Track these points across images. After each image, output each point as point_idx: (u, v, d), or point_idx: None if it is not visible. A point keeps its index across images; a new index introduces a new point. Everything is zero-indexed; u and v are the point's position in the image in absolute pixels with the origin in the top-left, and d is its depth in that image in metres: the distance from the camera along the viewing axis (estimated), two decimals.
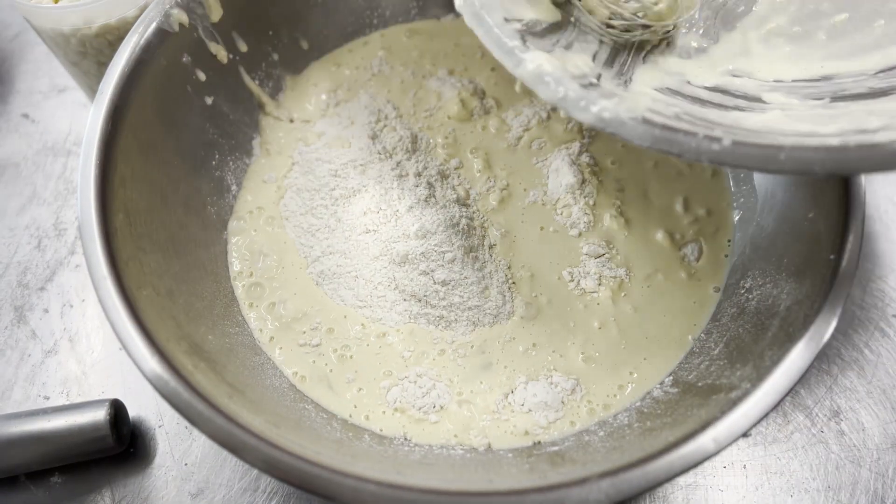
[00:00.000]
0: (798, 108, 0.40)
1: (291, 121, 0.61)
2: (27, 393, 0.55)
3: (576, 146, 0.58)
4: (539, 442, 0.46)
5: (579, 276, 0.52)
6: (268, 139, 0.60)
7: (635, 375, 0.48)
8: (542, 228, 0.54)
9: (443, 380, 0.48)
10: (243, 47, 0.59)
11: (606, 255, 0.53)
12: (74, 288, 0.60)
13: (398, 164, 0.57)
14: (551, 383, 0.48)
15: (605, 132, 0.39)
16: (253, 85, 0.60)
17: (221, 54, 0.57)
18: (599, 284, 0.52)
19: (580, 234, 0.54)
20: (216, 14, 0.56)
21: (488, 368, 0.49)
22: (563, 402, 0.47)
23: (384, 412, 0.47)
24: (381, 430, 0.47)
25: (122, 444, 0.50)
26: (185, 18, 0.53)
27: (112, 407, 0.49)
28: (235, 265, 0.54)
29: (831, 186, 0.44)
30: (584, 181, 0.56)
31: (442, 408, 0.47)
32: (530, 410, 0.47)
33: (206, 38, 0.56)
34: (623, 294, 0.51)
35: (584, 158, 0.57)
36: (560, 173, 0.56)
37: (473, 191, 0.56)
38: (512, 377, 0.48)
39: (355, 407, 0.48)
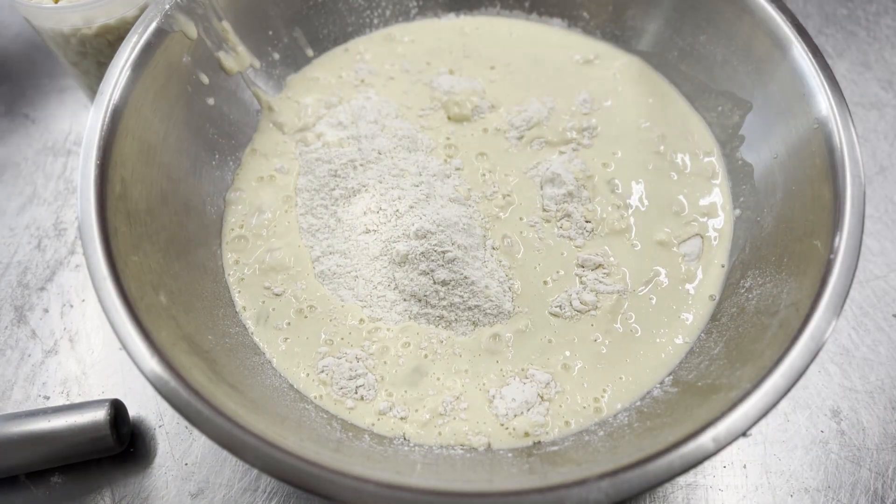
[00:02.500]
0: None
1: (283, 132, 0.60)
2: (27, 393, 0.55)
3: (571, 150, 0.58)
4: (539, 442, 0.46)
5: (574, 293, 0.51)
6: (261, 142, 0.60)
7: (608, 393, 0.48)
8: (540, 240, 0.54)
9: (375, 374, 0.49)
10: (256, 64, 0.60)
11: (604, 269, 0.52)
12: (74, 288, 0.60)
13: (398, 164, 0.57)
14: (524, 380, 0.48)
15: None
16: (258, 91, 0.60)
17: (230, 65, 0.57)
18: (597, 300, 0.51)
19: (581, 245, 0.54)
20: (245, 62, 0.58)
21: (421, 378, 0.48)
22: (540, 396, 0.47)
23: (307, 374, 0.49)
24: (306, 391, 0.48)
25: (122, 444, 0.50)
26: (192, 32, 0.53)
27: (112, 407, 0.49)
28: (230, 220, 0.55)
29: (831, 186, 0.44)
30: (580, 187, 0.56)
31: (362, 398, 0.48)
32: (517, 416, 0.47)
33: (215, 49, 0.56)
34: (620, 311, 0.51)
35: (578, 164, 0.57)
36: (555, 182, 0.55)
37: (474, 192, 0.56)
38: (469, 386, 0.48)
39: (285, 354, 0.49)
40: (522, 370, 0.49)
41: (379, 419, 0.47)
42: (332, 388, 0.48)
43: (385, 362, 0.49)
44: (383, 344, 0.50)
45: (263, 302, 0.52)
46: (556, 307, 0.51)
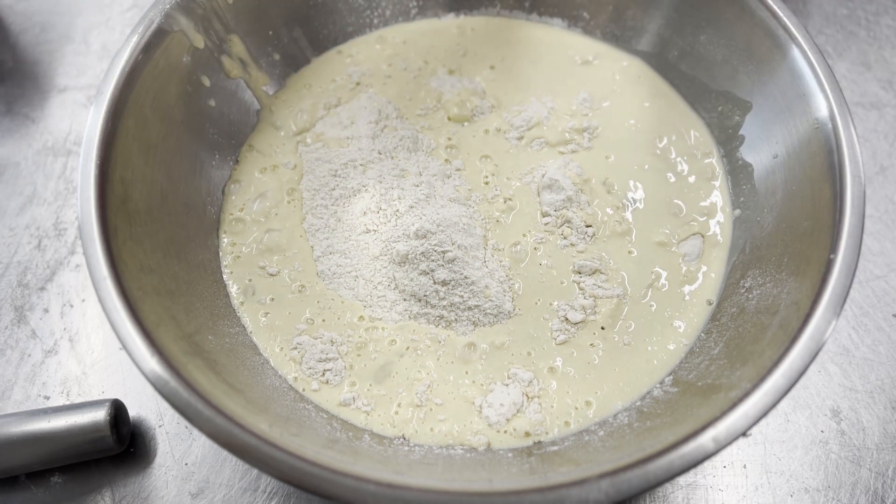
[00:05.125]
0: None
1: (281, 134, 0.60)
2: (27, 393, 0.55)
3: (570, 151, 0.58)
4: (539, 442, 0.46)
5: (566, 304, 0.51)
6: (258, 140, 0.60)
7: (594, 406, 0.48)
8: (547, 266, 0.53)
9: (346, 361, 0.49)
10: (266, 81, 0.61)
11: (603, 275, 0.52)
12: (74, 288, 0.60)
13: (398, 164, 0.57)
14: (506, 383, 0.48)
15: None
16: (260, 92, 0.60)
17: (235, 72, 0.57)
18: (595, 305, 0.51)
19: (583, 250, 0.53)
20: (262, 81, 0.60)
21: (386, 377, 0.48)
22: (526, 395, 0.47)
23: (281, 349, 0.49)
24: (275, 368, 0.49)
25: (122, 444, 0.50)
26: (200, 43, 0.53)
27: (112, 407, 0.49)
28: (230, 206, 0.56)
29: (831, 186, 0.44)
30: (578, 191, 0.55)
31: (328, 382, 0.48)
32: (509, 420, 0.47)
33: (217, 54, 0.56)
34: (619, 316, 0.50)
35: (574, 168, 0.57)
36: (553, 188, 0.55)
37: (475, 193, 0.56)
38: (451, 391, 0.48)
39: (265, 328, 0.50)
40: (504, 375, 0.48)
41: (373, 416, 0.47)
42: (302, 366, 0.48)
43: (359, 354, 0.49)
44: (369, 338, 0.50)
45: (250, 280, 0.52)
46: (561, 338, 0.50)
